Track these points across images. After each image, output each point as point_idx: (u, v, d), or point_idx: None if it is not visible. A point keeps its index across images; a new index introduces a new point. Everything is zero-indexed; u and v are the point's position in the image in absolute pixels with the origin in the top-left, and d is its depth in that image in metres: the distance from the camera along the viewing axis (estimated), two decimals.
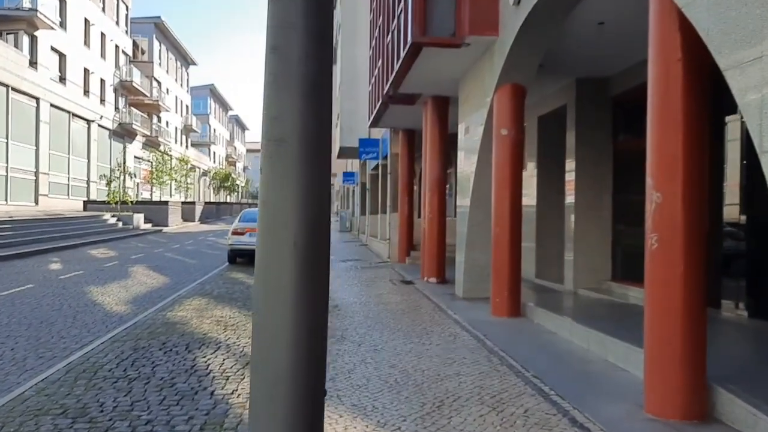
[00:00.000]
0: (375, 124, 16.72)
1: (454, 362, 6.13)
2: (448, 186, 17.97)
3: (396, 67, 10.96)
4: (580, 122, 10.38)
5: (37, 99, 33.81)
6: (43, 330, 8.23)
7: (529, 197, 11.52)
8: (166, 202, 38.06)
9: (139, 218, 32.94)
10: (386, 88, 12.48)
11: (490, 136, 9.05)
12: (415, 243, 17.06)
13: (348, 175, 32.85)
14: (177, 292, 11.93)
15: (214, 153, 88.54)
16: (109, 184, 33.86)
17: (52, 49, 36.04)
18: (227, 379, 5.96)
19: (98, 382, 5.78)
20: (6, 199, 30.69)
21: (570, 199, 10.60)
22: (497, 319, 8.57)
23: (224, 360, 6.66)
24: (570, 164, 10.60)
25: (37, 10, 31.94)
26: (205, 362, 6.55)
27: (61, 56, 37.42)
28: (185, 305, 10.30)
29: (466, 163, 10.77)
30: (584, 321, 7.18)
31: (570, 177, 10.62)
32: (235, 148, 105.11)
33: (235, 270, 16.00)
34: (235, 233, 17.10)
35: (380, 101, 13.78)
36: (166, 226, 35.68)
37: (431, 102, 12.76)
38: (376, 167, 22.09)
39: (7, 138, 30.87)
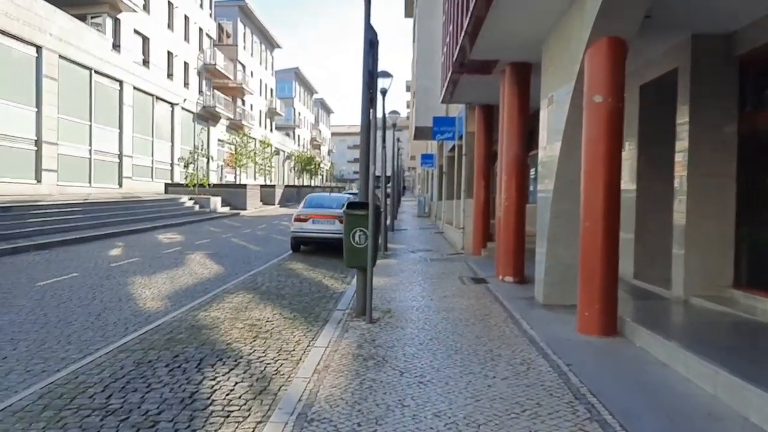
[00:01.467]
0: (448, 99, 15.03)
1: (524, 411, 4.51)
2: (533, 170, 16.08)
3: (468, 21, 9.26)
4: (696, 90, 8.34)
5: (121, 82, 34.14)
6: (54, 332, 7.23)
7: (627, 181, 9.57)
8: (244, 186, 37.82)
9: (216, 201, 32.72)
10: (456, 54, 10.80)
11: (579, 106, 7.24)
12: (492, 232, 15.33)
13: (426, 158, 31.25)
14: (223, 285, 10.84)
15: (299, 136, 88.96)
16: (187, 166, 33.82)
17: (135, 32, 36.30)
18: (226, 417, 4.62)
19: (66, 416, 4.59)
20: (90, 182, 31.16)
21: (680, 183, 8.61)
22: (585, 338, 6.80)
23: (235, 385, 5.34)
24: (681, 143, 8.59)
25: None
26: (211, 388, 5.26)
27: (145, 39, 37.70)
28: (224, 303, 9.14)
29: (550, 142, 8.97)
30: (707, 351, 5.35)
31: (680, 158, 8.62)
32: (319, 131, 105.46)
33: (296, 259, 14.86)
34: (297, 220, 15.96)
35: (451, 71, 12.09)
36: (244, 209, 35.39)
37: (510, 70, 10.94)
38: (452, 148, 20.41)
39: (90, 121, 31.26)
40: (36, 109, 26.46)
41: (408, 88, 61.87)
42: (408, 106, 62.30)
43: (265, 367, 5.95)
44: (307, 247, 16.74)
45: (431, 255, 15.67)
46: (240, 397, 5.05)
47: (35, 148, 26.52)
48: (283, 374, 5.70)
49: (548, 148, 9.09)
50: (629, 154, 10.00)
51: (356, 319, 7.75)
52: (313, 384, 5.17)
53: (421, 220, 32.91)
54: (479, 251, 15.22)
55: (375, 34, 7.48)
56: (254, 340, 6.98)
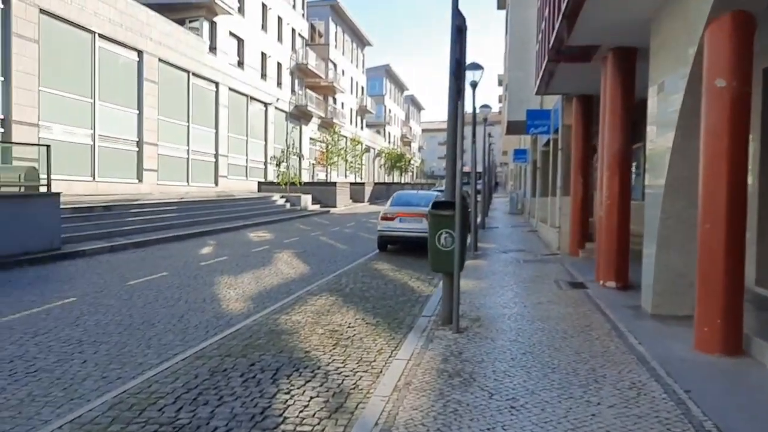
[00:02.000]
0: (543, 90, 14.15)
1: None
2: (635, 164, 14.93)
3: (565, 3, 8.49)
4: None
5: (217, 83, 35.12)
6: (136, 334, 7.16)
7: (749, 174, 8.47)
8: (334, 183, 38.05)
9: (306, 199, 33.03)
10: (553, 41, 10.01)
11: (697, 92, 6.36)
12: (591, 232, 14.35)
13: (519, 153, 30.15)
14: (308, 286, 10.59)
15: (389, 133, 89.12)
16: (278, 165, 34.36)
17: (231, 34, 37.25)
18: None
19: (133, 431, 4.35)
20: (188, 181, 32.25)
21: None
22: (705, 358, 5.94)
23: (310, 400, 4.96)
24: None
25: None
26: (284, 403, 4.89)
27: (240, 41, 38.64)
28: (307, 305, 8.85)
29: (660, 134, 8.06)
30: None
31: None
32: (410, 128, 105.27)
33: (382, 259, 14.48)
34: (384, 218, 15.59)
35: (547, 59, 11.28)
36: (334, 207, 35.57)
37: (612, 56, 10.02)
38: (547, 143, 19.41)
39: (188, 121, 32.33)
40: (138, 112, 27.58)
41: (500, 82, 60.40)
42: (500, 101, 60.85)
43: (343, 380, 5.54)
44: (394, 246, 16.35)
45: (524, 256, 14.87)
46: (314, 416, 4.66)
47: (137, 149, 27.66)
48: (361, 389, 5.26)
49: (657, 140, 8.18)
50: (749, 145, 8.88)
51: (442, 328, 7.22)
52: (392, 404, 4.70)
53: (513, 218, 31.84)
54: (576, 252, 14.27)
55: (463, 19, 6.91)
56: (334, 348, 6.60)
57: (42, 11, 21.24)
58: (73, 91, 23.42)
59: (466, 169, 20.22)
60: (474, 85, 14.84)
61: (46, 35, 21.60)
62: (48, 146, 14.01)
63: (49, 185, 13.62)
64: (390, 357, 6.28)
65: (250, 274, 11.89)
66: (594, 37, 9.53)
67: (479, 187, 20.72)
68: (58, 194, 13.71)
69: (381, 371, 5.79)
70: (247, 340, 6.86)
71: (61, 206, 14.12)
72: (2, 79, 19.94)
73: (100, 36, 24.60)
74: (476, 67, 14.58)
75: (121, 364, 6.00)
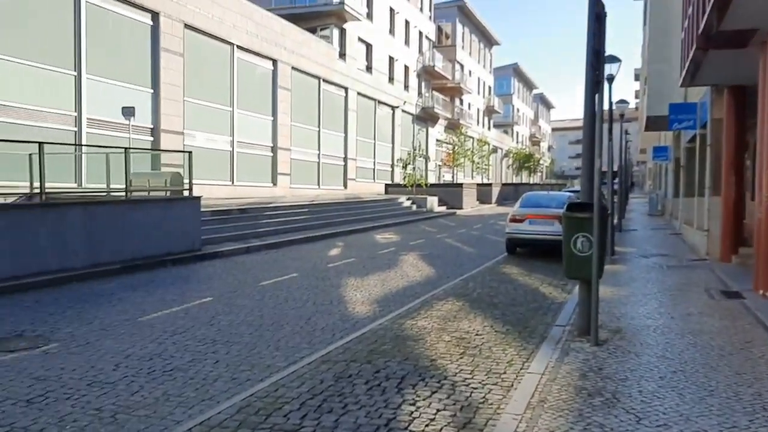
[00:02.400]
0: (688, 81, 12.96)
1: None
2: None
3: None
4: None
5: (346, 88, 35.95)
6: (266, 335, 7.28)
7: None
8: (460, 185, 37.65)
9: (432, 201, 32.90)
10: (702, 26, 9.07)
11: None
12: (746, 236, 12.98)
13: (659, 150, 28.16)
14: (434, 289, 10.37)
15: (517, 133, 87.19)
16: (405, 167, 34.52)
17: (360, 39, 38.00)
18: None
19: None
20: (318, 184, 33.23)
21: None
22: None
23: (436, 413, 4.71)
24: None
25: (344, 3, 33.69)
26: (410, 415, 4.68)
27: (368, 46, 39.33)
28: (433, 310, 8.63)
29: None
30: None
31: None
32: (539, 127, 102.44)
33: (510, 262, 13.97)
34: (513, 220, 15.04)
35: (694, 47, 10.27)
36: (461, 208, 35.17)
37: None
38: (692, 139, 17.87)
39: (319, 126, 33.33)
40: (272, 118, 28.81)
41: (636, 77, 57.05)
42: (636, 96, 57.47)
43: (471, 392, 5.24)
44: (522, 249, 15.76)
45: (667, 261, 13.74)
46: (441, 431, 4.40)
47: (272, 154, 28.88)
48: (491, 404, 4.94)
49: None
50: None
51: (578, 339, 6.71)
52: (525, 424, 4.34)
53: (652, 219, 29.82)
54: (728, 258, 12.95)
55: (602, 6, 6.38)
56: (461, 357, 6.31)
57: (186, 26, 22.70)
58: (213, 101, 24.85)
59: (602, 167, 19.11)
60: (611, 79, 13.95)
61: (190, 48, 23.06)
62: (190, 152, 14.86)
63: (191, 189, 14.42)
64: (521, 369, 5.89)
65: (376, 276, 11.87)
66: (751, 20, 8.52)
67: (615, 187, 19.52)
68: (199, 198, 14.49)
69: (512, 385, 5.43)
70: (373, 345, 6.74)
71: (202, 209, 14.90)
72: (152, 91, 21.51)
73: (238, 47, 25.93)
74: (613, 59, 13.72)
75: (250, 365, 6.08)
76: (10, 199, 12.86)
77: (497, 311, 8.63)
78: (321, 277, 11.75)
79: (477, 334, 7.29)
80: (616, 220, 19.15)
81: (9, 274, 10.00)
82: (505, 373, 5.81)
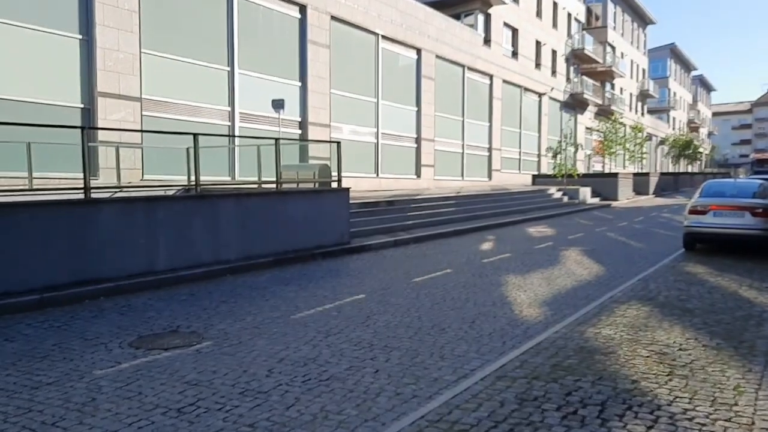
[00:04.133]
0: None
1: None
2: None
3: None
4: None
5: (491, 76, 34.65)
6: (427, 340, 6.48)
7: None
8: (615, 174, 34.96)
9: (585, 192, 30.74)
10: None
11: None
12: None
13: None
14: (609, 291, 9.08)
15: (674, 119, 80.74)
16: (555, 156, 32.58)
17: (505, 24, 36.54)
18: None
19: None
20: (462, 175, 32.28)
21: None
22: None
23: None
24: None
25: None
26: None
27: (514, 31, 37.73)
28: (615, 317, 7.41)
29: None
30: None
31: None
32: (698, 112, 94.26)
33: (692, 260, 12.20)
34: (693, 212, 13.16)
35: None
36: (615, 200, 32.63)
37: None
38: None
39: (462, 116, 32.35)
40: (416, 108, 28.22)
41: None
42: None
43: (700, 429, 4.08)
44: (703, 245, 13.83)
45: None
46: None
47: (416, 145, 28.32)
48: None
49: None
50: None
51: None
52: None
53: None
54: None
55: None
56: (669, 379, 5.13)
57: (333, 18, 22.62)
58: (359, 92, 24.67)
59: None
60: None
61: (336, 40, 22.97)
62: (338, 142, 14.51)
63: (339, 180, 14.05)
64: (757, 400, 4.62)
65: (538, 274, 10.73)
66: None
67: None
68: (347, 189, 14.09)
69: (753, 422, 4.20)
70: (554, 359, 5.71)
71: (350, 202, 14.51)
72: (300, 84, 21.64)
73: (383, 37, 25.56)
74: None
75: (414, 378, 5.30)
76: (169, 193, 13.17)
77: (696, 320, 7.23)
78: (477, 273, 10.81)
79: (681, 349, 6.02)
80: None
81: (167, 267, 10.05)
82: (736, 404, 4.56)
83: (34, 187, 12.14)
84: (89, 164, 9.61)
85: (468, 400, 4.68)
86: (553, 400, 4.67)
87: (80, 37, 15.52)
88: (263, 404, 4.71)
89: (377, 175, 25.71)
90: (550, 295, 8.96)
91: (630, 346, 6.14)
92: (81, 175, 9.27)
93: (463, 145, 32.50)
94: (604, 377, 5.19)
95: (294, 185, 14.50)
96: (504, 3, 34.83)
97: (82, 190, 9.26)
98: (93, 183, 13.70)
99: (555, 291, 9.24)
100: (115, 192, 12.83)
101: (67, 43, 15.31)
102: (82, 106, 15.64)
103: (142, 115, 16.67)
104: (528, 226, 20.14)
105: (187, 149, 13.62)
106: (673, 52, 77.84)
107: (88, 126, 15.16)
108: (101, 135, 15.85)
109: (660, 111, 75.71)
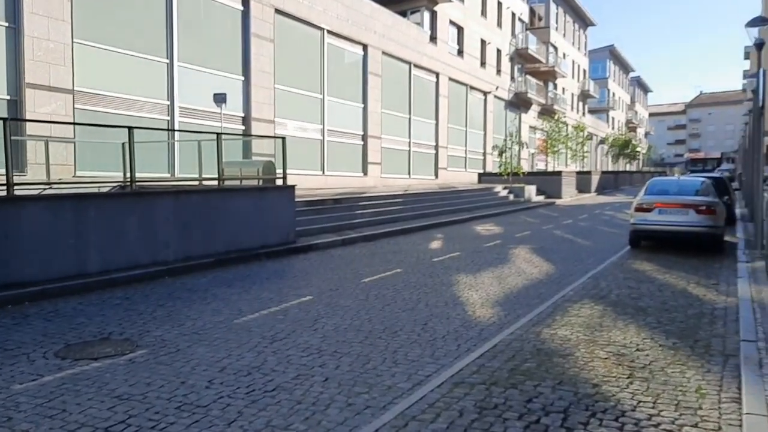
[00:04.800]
0: None
1: None
2: None
3: None
4: None
5: (437, 74, 34.61)
6: (379, 344, 6.15)
7: None
8: (559, 173, 35.48)
9: (530, 190, 31.06)
10: None
11: None
12: None
13: None
14: (561, 290, 8.97)
15: (613, 119, 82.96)
16: (501, 154, 32.79)
17: (451, 22, 36.55)
18: None
19: None
20: (409, 173, 32.12)
21: None
22: None
23: None
24: None
25: None
26: None
27: (459, 29, 37.80)
28: (569, 316, 7.26)
29: None
30: None
31: None
32: (636, 112, 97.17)
33: (639, 257, 12.29)
34: (639, 209, 13.27)
35: None
36: (560, 198, 33.10)
37: None
38: None
39: (409, 114, 32.18)
40: (363, 105, 27.88)
41: None
42: None
43: None
44: (648, 242, 13.99)
45: None
46: None
47: (362, 143, 27.97)
48: None
49: None
50: None
51: None
52: None
53: None
54: None
55: None
56: (630, 382, 4.96)
57: (277, 11, 22.03)
58: (304, 88, 24.14)
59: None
60: (760, 45, 11.96)
61: (280, 34, 22.39)
62: (283, 138, 14.02)
63: (285, 178, 13.58)
64: (720, 402, 4.49)
65: (489, 273, 10.56)
66: None
67: None
68: (293, 187, 13.64)
69: (719, 427, 4.04)
70: (512, 362, 5.48)
71: (295, 200, 14.05)
72: (243, 78, 20.99)
73: (329, 32, 25.10)
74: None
75: (367, 386, 4.96)
76: (103, 190, 12.43)
77: (650, 318, 7.15)
78: (428, 273, 10.55)
79: (638, 349, 5.88)
80: None
81: (99, 269, 9.41)
82: (700, 408, 4.41)
83: None
84: (12, 159, 8.88)
85: (425, 410, 4.38)
86: (514, 408, 4.42)
87: (6, 24, 14.52)
88: (202, 420, 4.29)
89: (323, 172, 25.24)
90: (502, 294, 8.78)
91: (587, 347, 5.97)
92: (5, 172, 8.54)
93: (409, 142, 32.34)
94: (564, 381, 4.98)
95: (237, 183, 13.96)
96: (450, 1, 34.84)
97: (5, 187, 8.54)
98: (19, 179, 12.84)
99: (507, 290, 9.06)
100: (44, 189, 11.99)
101: None
102: (8, 97, 14.66)
103: (74, 108, 15.75)
104: (476, 225, 20.09)
105: (123, 144, 12.89)
106: (612, 53, 79.90)
107: (11, 118, 14.16)
108: (30, 129, 14.90)
109: (600, 111, 77.59)
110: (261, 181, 14.15)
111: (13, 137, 9.45)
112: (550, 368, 5.31)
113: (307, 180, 22.83)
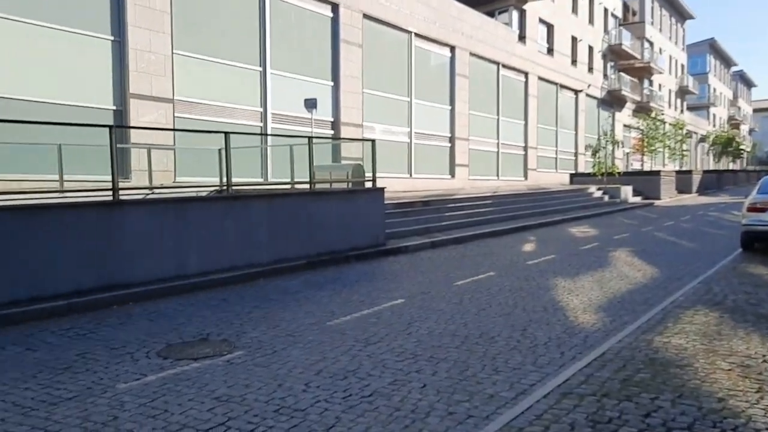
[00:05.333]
0: None
1: None
2: None
3: None
4: None
5: (526, 73, 33.87)
6: (476, 351, 5.90)
7: None
8: (657, 173, 33.77)
9: (627, 191, 29.71)
10: None
11: None
12: None
13: None
14: (670, 295, 8.38)
15: (714, 115, 78.47)
16: (594, 154, 31.57)
17: (540, 20, 35.69)
18: None
19: None
20: (497, 175, 31.54)
21: None
22: None
23: None
24: None
25: None
26: None
27: (549, 27, 36.85)
28: (682, 323, 6.74)
29: None
30: None
31: None
32: (739, 108, 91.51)
33: (753, 261, 11.38)
34: (752, 209, 12.31)
35: None
36: (658, 198, 31.49)
37: None
38: None
39: (497, 114, 31.62)
40: (450, 107, 27.60)
41: None
42: None
43: None
44: (761, 244, 12.95)
45: None
46: None
47: (449, 145, 27.69)
48: None
49: None
50: None
51: None
52: None
53: None
54: None
55: None
56: (760, 396, 4.49)
57: (365, 16, 22.16)
58: (391, 91, 24.16)
59: None
60: None
61: (368, 39, 22.50)
62: (373, 141, 13.98)
63: (374, 180, 13.53)
64: None
65: (588, 277, 10.05)
66: None
67: None
68: (382, 189, 13.57)
69: None
70: (623, 372, 5.09)
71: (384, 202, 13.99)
72: (332, 83, 21.23)
73: (416, 35, 25.02)
74: None
75: (467, 394, 4.73)
76: (201, 194, 12.81)
77: None
78: (523, 276, 10.18)
79: (765, 361, 5.34)
80: None
81: (198, 270, 9.65)
82: None
83: (64, 188, 11.87)
84: (118, 164, 9.26)
85: (532, 422, 4.11)
86: (631, 422, 4.07)
87: (112, 38, 15.31)
88: (300, 424, 4.20)
89: (410, 175, 25.14)
90: (605, 299, 8.30)
91: (707, 357, 5.49)
92: (111, 178, 8.90)
93: (498, 144, 31.75)
94: (685, 394, 4.56)
95: (327, 186, 14.05)
96: None
97: (111, 192, 8.90)
98: (124, 185, 13.47)
99: (610, 295, 8.57)
100: (147, 194, 12.51)
101: (99, 45, 15.10)
102: (114, 108, 15.43)
103: (174, 117, 16.41)
104: (570, 227, 19.36)
105: (219, 150, 13.25)
106: (712, 47, 75.67)
107: (117, 125, 14.88)
108: (134, 137, 15.63)
109: (700, 107, 73.59)
110: (350, 184, 14.18)
111: (118, 145, 9.86)
112: (667, 380, 4.90)
113: (394, 183, 22.77)
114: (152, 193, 12.90)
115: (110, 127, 9.07)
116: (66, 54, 14.50)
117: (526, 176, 34.28)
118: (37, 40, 13.98)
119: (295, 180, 13.48)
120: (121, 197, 9.15)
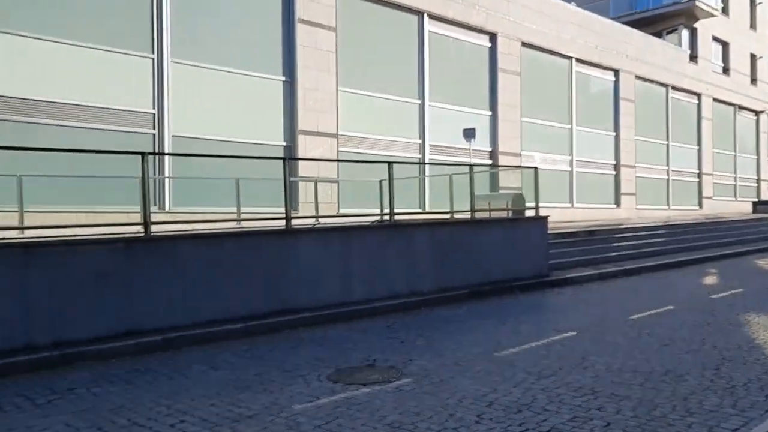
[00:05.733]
0: None
1: None
2: None
3: None
4: None
5: (698, 95, 31.59)
6: (663, 390, 5.38)
7: None
8: None
9: None
10: None
11: None
12: None
13: None
14: None
15: None
16: None
17: (714, 38, 33.20)
18: None
19: None
20: (668, 204, 29.46)
21: None
22: None
23: None
24: None
25: (695, 0, 29.72)
26: None
27: (724, 45, 34.19)
28: None
29: None
30: None
31: None
32: None
33: None
34: None
35: None
36: None
37: None
38: None
39: (667, 140, 29.71)
40: (614, 133, 26.36)
41: None
42: None
43: None
44: None
45: None
46: None
47: (614, 172, 26.36)
48: None
49: None
50: None
51: None
52: None
53: None
54: None
55: None
56: None
57: (523, 44, 21.91)
58: (551, 119, 23.55)
59: None
60: None
61: (526, 67, 22.17)
62: (535, 168, 13.61)
63: (537, 208, 13.12)
64: None
65: None
66: None
67: None
68: (545, 218, 13.12)
69: None
70: None
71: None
72: (490, 113, 21.12)
73: (577, 60, 24.28)
74: None
75: None
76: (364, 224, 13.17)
77: None
78: (707, 311, 9.24)
79: None
80: None
81: (362, 297, 9.85)
82: None
83: (242, 218, 12.77)
84: (290, 195, 9.78)
85: None
86: None
87: (284, 79, 16.40)
88: None
89: (572, 204, 24.17)
90: None
91: None
92: (282, 210, 9.41)
93: (668, 170, 29.69)
94: None
95: (486, 215, 13.85)
96: (713, 15, 31.68)
97: (284, 220, 9.39)
98: (294, 215, 14.23)
99: None
100: (314, 224, 13.10)
101: (272, 86, 16.26)
102: (284, 144, 16.45)
103: (338, 150, 17.15)
104: (757, 259, 17.45)
105: (380, 182, 13.59)
106: None
107: (290, 157, 15.82)
108: (301, 171, 16.54)
109: None
110: (511, 213, 13.86)
111: (290, 177, 10.44)
112: None
113: (554, 212, 21.91)
114: (318, 223, 13.48)
115: (284, 159, 9.64)
116: (245, 95, 15.76)
117: (700, 205, 31.64)
118: (221, 84, 15.33)
119: (455, 209, 13.44)
120: (293, 226, 9.62)
